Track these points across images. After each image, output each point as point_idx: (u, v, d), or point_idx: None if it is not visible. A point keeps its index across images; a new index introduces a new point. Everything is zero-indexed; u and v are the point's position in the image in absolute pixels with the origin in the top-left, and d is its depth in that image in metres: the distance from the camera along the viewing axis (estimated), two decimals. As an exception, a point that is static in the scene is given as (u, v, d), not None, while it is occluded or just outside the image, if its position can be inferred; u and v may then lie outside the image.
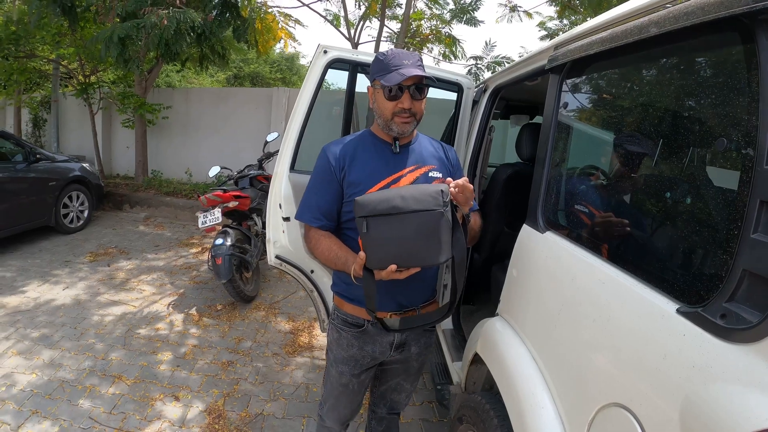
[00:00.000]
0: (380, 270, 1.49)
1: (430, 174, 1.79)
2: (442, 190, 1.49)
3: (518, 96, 3.79)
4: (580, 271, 1.40)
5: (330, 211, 1.77)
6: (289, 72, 21.04)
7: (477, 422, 1.80)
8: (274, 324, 4.43)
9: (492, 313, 1.99)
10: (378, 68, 1.67)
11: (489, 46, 8.64)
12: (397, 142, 1.76)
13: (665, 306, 1.04)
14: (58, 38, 8.88)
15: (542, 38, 9.99)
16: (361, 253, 1.51)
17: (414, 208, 1.44)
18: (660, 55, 1.33)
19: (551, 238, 1.64)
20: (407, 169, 1.76)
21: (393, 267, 1.47)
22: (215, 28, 7.39)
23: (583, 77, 1.73)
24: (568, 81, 1.75)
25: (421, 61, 1.69)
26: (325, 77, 2.69)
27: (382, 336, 1.83)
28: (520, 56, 9.31)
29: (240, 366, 3.63)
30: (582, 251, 1.44)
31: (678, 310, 1.00)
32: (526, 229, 1.83)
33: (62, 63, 10.07)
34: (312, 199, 1.78)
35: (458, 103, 3.02)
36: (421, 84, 1.67)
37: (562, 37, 1.80)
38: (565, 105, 1.75)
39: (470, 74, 8.32)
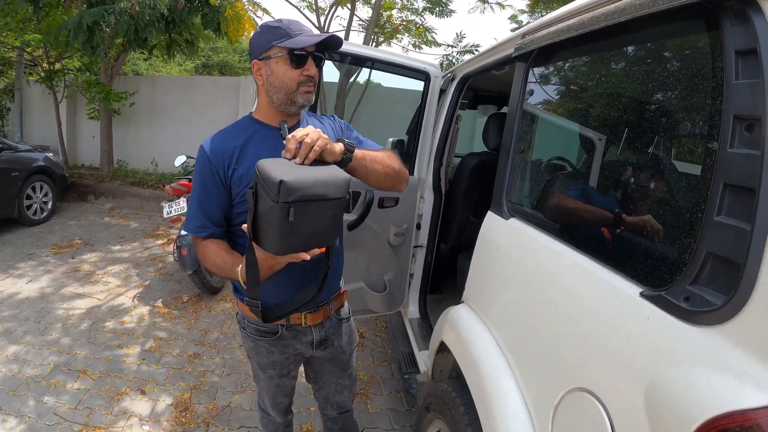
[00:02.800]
0: (282, 255, 1.37)
1: None
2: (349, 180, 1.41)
3: (486, 86, 3.81)
4: (544, 257, 1.42)
5: (217, 217, 1.60)
6: None
7: (444, 410, 1.80)
8: (240, 315, 4.38)
9: (458, 301, 2.01)
10: (275, 35, 1.50)
11: (459, 36, 8.67)
12: (285, 125, 1.56)
13: (629, 290, 1.05)
14: (23, 24, 8.61)
15: (513, 31, 10.02)
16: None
17: (336, 195, 1.36)
18: (626, 42, 1.35)
19: (515, 224, 1.65)
20: None
21: (303, 254, 1.38)
22: (184, 15, 7.26)
23: (550, 65, 1.75)
24: (535, 69, 1.76)
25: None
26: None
27: (300, 336, 1.76)
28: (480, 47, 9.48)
29: (207, 358, 3.61)
30: (546, 237, 1.45)
31: (642, 294, 1.01)
32: (490, 216, 1.83)
33: (26, 50, 9.78)
34: (195, 205, 1.59)
35: (425, 91, 3.00)
36: (317, 53, 1.54)
37: (529, 25, 1.80)
38: (531, 93, 1.75)
39: (442, 66, 8.33)
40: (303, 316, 1.72)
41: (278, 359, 1.80)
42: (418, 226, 3.16)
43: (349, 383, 2.04)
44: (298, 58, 1.50)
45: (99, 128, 9.28)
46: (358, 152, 1.52)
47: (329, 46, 1.57)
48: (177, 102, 10.01)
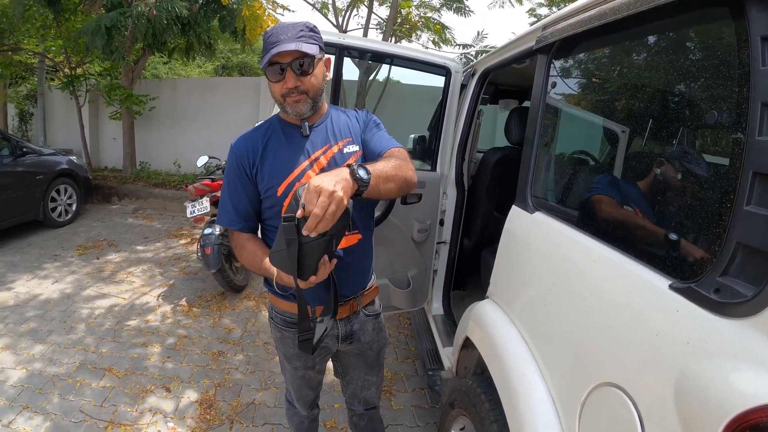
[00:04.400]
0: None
1: (345, 150, 1.66)
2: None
3: (507, 80, 3.77)
4: (570, 250, 1.40)
5: (247, 212, 1.65)
6: None
7: (468, 407, 1.78)
8: (265, 313, 4.39)
9: (482, 297, 1.98)
10: (263, 49, 1.51)
11: (480, 36, 8.59)
12: (306, 123, 1.60)
13: (657, 282, 1.03)
14: (43, 31, 8.74)
15: (532, 25, 9.93)
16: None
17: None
18: (649, 32, 1.32)
19: (541, 218, 1.63)
20: (320, 151, 1.63)
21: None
22: (200, 18, 7.31)
23: (572, 57, 1.71)
24: (556, 61, 1.73)
25: (307, 31, 1.51)
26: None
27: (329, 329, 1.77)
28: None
29: (230, 356, 3.62)
30: (572, 230, 1.43)
31: (671, 286, 0.99)
32: (515, 210, 1.81)
33: (48, 56, 9.92)
34: (227, 201, 1.66)
35: (446, 87, 2.95)
36: (306, 57, 1.48)
37: (550, 17, 1.77)
38: (554, 85, 1.73)
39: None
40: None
41: None
42: (441, 222, 3.14)
43: (376, 380, 2.03)
44: (272, 73, 1.51)
45: (121, 130, 9.39)
46: (372, 182, 1.40)
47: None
48: (198, 104, 10.11)
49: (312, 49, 1.48)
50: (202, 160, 5.07)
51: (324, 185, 1.23)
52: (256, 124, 1.72)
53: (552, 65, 1.73)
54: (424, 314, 3.50)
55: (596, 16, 1.37)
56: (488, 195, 3.24)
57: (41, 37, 8.93)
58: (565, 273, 1.38)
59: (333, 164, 1.62)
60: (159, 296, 4.63)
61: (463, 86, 3.06)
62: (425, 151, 3.43)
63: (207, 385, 3.20)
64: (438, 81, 3.01)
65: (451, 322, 3.15)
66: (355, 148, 1.70)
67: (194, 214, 4.55)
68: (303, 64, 1.49)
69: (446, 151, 3.09)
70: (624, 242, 1.22)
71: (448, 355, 2.71)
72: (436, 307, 3.30)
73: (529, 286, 1.60)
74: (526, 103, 4.00)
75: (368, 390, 2.04)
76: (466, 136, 3.04)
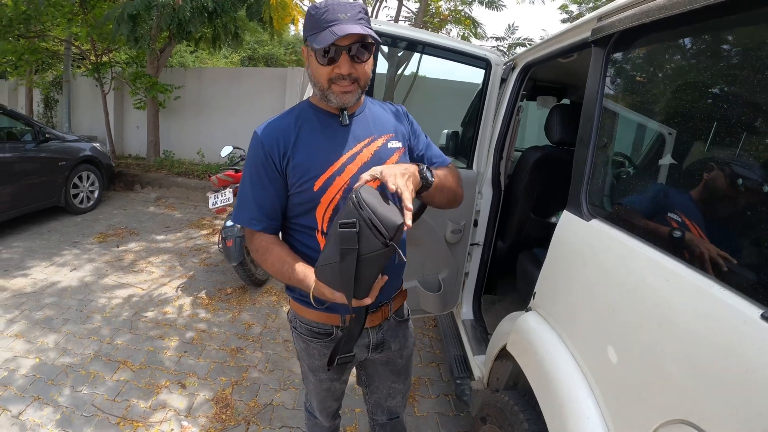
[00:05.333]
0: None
1: (389, 145, 1.53)
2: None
3: (546, 76, 3.59)
4: (638, 267, 1.20)
5: (273, 209, 1.47)
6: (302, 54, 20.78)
7: (503, 424, 1.65)
8: (286, 309, 4.26)
9: (517, 303, 1.82)
10: (309, 26, 1.36)
11: (511, 28, 8.40)
12: (345, 112, 1.46)
13: (746, 310, 0.86)
14: (70, 16, 8.73)
15: (563, 21, 9.72)
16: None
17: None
18: (727, 24, 1.15)
19: (598, 226, 1.44)
20: (362, 144, 1.48)
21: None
22: (227, 6, 7.21)
23: (634, 50, 1.54)
24: (616, 55, 1.57)
25: (365, 14, 1.38)
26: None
27: (359, 339, 1.61)
28: (541, 39, 9.17)
29: (249, 353, 3.49)
30: (638, 243, 1.24)
31: (763, 315, 0.82)
32: (567, 217, 1.62)
33: (74, 43, 9.94)
34: (248, 196, 1.47)
35: (485, 80, 2.79)
36: (365, 42, 1.35)
37: (607, 7, 1.60)
38: (614, 81, 1.57)
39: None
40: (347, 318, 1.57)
41: None
42: (475, 223, 2.98)
43: (403, 388, 1.89)
44: (325, 55, 1.35)
45: (145, 119, 9.37)
46: (432, 187, 1.44)
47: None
48: (223, 93, 10.03)
49: (372, 35, 1.34)
50: (226, 150, 4.96)
51: (404, 171, 1.27)
52: (286, 110, 1.55)
53: (610, 59, 1.57)
54: (452, 318, 3.35)
55: (667, 6, 1.20)
56: (525, 196, 3.06)
57: (68, 23, 8.92)
58: (631, 292, 1.20)
59: (377, 159, 1.49)
60: (178, 288, 4.53)
61: (502, 80, 2.89)
62: (458, 147, 3.28)
63: (224, 383, 3.08)
64: (466, 76, 2.86)
65: (481, 328, 2.99)
66: (398, 144, 1.56)
67: (216, 205, 4.43)
68: (361, 49, 1.36)
69: (483, 148, 2.93)
70: (705, 261, 1.05)
71: (479, 365, 2.56)
72: (466, 311, 3.14)
73: (585, 304, 1.42)
74: (565, 100, 3.87)
75: (393, 399, 1.90)
76: (505, 134, 2.88)
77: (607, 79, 1.57)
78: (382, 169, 1.28)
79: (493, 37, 8.69)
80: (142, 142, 9.88)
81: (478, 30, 8.58)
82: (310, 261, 1.44)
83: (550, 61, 2.43)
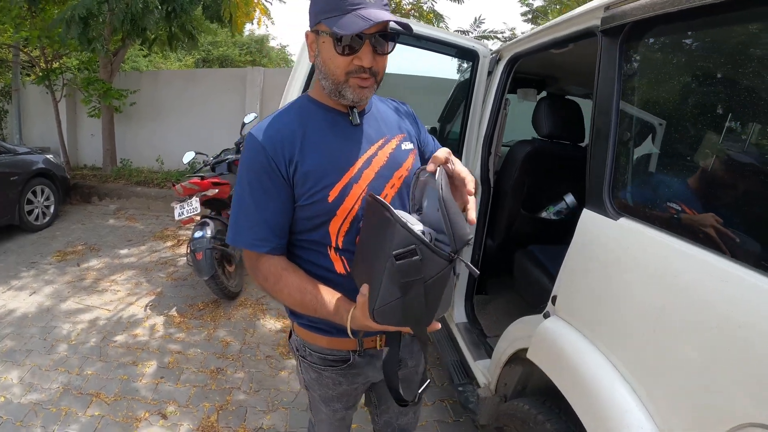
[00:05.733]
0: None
1: (403, 147, 1.39)
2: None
3: (527, 68, 3.50)
4: (685, 268, 1.12)
5: (281, 225, 1.28)
6: (259, 54, 20.51)
7: None
8: (263, 322, 4.07)
9: (513, 303, 1.74)
10: (325, 6, 1.17)
11: (477, 21, 8.31)
12: (355, 111, 1.30)
13: None
14: (19, 20, 8.23)
15: (524, 15, 9.71)
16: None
17: None
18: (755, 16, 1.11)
19: (630, 226, 1.35)
20: (376, 145, 1.33)
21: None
22: (186, 4, 6.91)
23: (652, 38, 1.46)
24: (631, 44, 1.49)
25: (388, 0, 1.23)
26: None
27: (374, 361, 1.47)
28: (501, 33, 9.12)
29: (231, 373, 3.28)
30: (681, 242, 1.16)
31: None
32: (588, 216, 1.52)
33: (23, 50, 9.43)
34: (250, 211, 1.26)
35: (473, 72, 2.71)
36: (386, 32, 1.19)
37: None
38: (632, 72, 1.49)
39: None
40: (378, 338, 1.41)
41: (346, 390, 1.51)
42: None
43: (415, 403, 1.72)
44: (346, 43, 1.17)
45: (100, 127, 8.93)
46: None
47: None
48: (180, 97, 9.64)
49: (405, 24, 1.18)
50: (189, 156, 4.75)
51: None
52: (280, 108, 1.36)
53: (625, 49, 1.49)
54: (445, 321, 3.21)
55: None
56: (515, 192, 2.96)
57: (15, 28, 8.42)
58: (678, 296, 1.13)
59: (393, 163, 1.34)
60: (147, 306, 4.25)
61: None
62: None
63: (208, 409, 2.87)
64: (438, 71, 2.77)
65: (477, 331, 2.88)
66: (410, 146, 1.42)
67: (183, 216, 4.18)
68: (382, 39, 1.19)
69: (471, 143, 2.84)
70: (759, 258, 0.99)
71: (483, 371, 2.43)
72: (459, 314, 3.02)
73: (626, 309, 1.30)
74: (542, 92, 3.80)
75: (405, 416, 1.75)
76: (493, 128, 2.75)
77: (623, 69, 1.49)
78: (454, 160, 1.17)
79: (458, 31, 8.57)
80: (98, 152, 9.42)
81: (441, 24, 8.45)
82: (325, 283, 1.27)
83: (540, 53, 2.35)
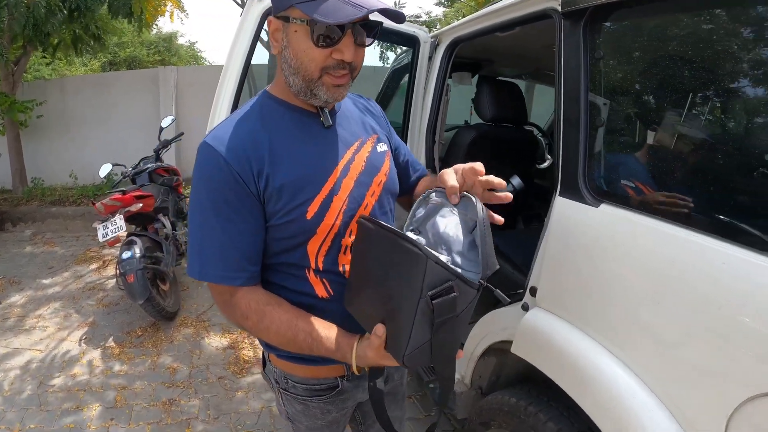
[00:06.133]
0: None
1: (378, 149, 1.27)
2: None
3: (462, 53, 3.44)
4: (679, 252, 1.13)
5: (255, 250, 1.12)
6: (168, 53, 19.70)
7: (519, 428, 1.61)
8: (208, 340, 3.84)
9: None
10: None
11: (398, 5, 8.21)
12: (326, 111, 1.16)
13: None
14: None
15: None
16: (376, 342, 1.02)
17: None
18: None
19: (612, 212, 1.33)
20: (352, 149, 1.20)
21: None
22: (90, 1, 6.43)
23: (618, 21, 1.45)
24: (595, 26, 1.45)
25: None
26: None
27: (362, 382, 1.35)
28: (417, 16, 9.05)
29: (185, 402, 3.06)
30: (673, 227, 1.16)
31: None
32: (563, 204, 1.50)
33: None
34: (218, 238, 1.07)
35: (414, 58, 2.64)
36: (368, 20, 1.03)
37: None
38: (600, 54, 1.44)
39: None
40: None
41: (336, 417, 1.38)
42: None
43: (401, 414, 1.63)
44: (324, 33, 0.99)
45: (6, 145, 8.20)
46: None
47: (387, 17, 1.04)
48: (91, 104, 9.01)
49: (397, 13, 1.04)
50: (106, 169, 4.41)
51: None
52: (238, 111, 1.16)
53: (589, 31, 1.45)
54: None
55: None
56: (462, 179, 2.88)
57: None
58: (674, 281, 1.14)
59: (371, 168, 1.21)
60: (81, 340, 3.89)
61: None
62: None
63: (166, 448, 2.64)
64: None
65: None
66: (385, 147, 1.31)
67: (108, 237, 3.85)
68: (363, 30, 1.04)
69: (415, 132, 2.77)
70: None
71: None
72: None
73: (619, 297, 1.29)
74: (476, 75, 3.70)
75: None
76: (435, 115, 2.68)
77: (590, 53, 1.45)
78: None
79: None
80: (6, 172, 8.68)
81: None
82: (306, 310, 1.14)
83: (483, 37, 2.29)
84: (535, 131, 3.45)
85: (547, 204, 1.57)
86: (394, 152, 1.40)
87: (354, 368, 1.09)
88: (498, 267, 0.96)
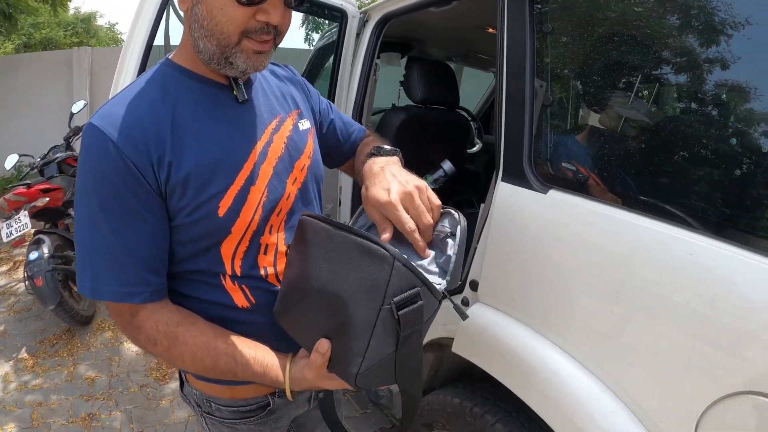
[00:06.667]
0: None
1: (300, 126, 1.10)
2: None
3: (391, 31, 3.29)
4: (642, 243, 1.04)
5: (157, 256, 0.92)
6: (86, 35, 18.78)
7: (465, 429, 1.54)
8: (128, 345, 3.55)
9: None
10: None
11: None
12: (240, 83, 0.97)
13: None
14: None
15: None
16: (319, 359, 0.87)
17: None
18: None
19: (563, 198, 1.23)
20: (269, 129, 1.02)
21: None
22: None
23: None
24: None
25: None
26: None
27: (298, 396, 1.17)
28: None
29: (105, 416, 2.81)
30: (631, 215, 1.08)
31: None
32: (508, 190, 1.37)
33: None
34: (111, 246, 0.87)
35: (341, 34, 2.47)
36: None
37: None
38: (547, 27, 1.33)
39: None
40: None
41: None
42: (340, 202, 2.69)
43: (340, 415, 1.46)
44: None
45: None
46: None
47: None
48: (-1, 89, 8.33)
49: None
50: (12, 161, 4.04)
51: (403, 190, 0.91)
52: (132, 83, 0.94)
53: (534, 5, 1.34)
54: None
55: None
56: (389, 162, 2.75)
57: None
58: (639, 274, 1.04)
59: (293, 151, 1.04)
60: (-11, 352, 3.52)
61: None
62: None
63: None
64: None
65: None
66: (308, 124, 1.13)
67: (12, 237, 3.50)
68: None
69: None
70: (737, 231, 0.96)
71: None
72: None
73: (573, 290, 1.19)
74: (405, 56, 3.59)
75: None
76: (363, 96, 2.52)
77: (536, 27, 1.34)
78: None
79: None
80: None
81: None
82: (225, 324, 0.97)
83: (414, 13, 2.21)
84: (465, 114, 3.33)
85: (478, 189, 1.43)
86: (327, 124, 1.25)
87: (288, 394, 0.94)
88: (460, 282, 0.85)
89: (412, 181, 0.93)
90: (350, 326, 0.81)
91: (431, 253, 0.92)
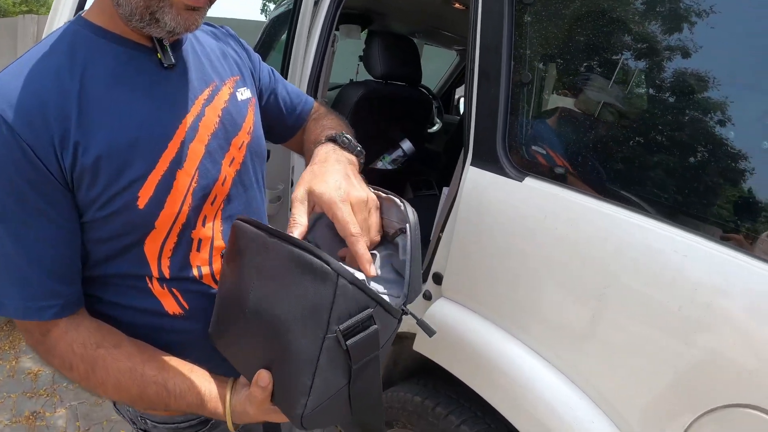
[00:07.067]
0: None
1: (239, 96, 0.95)
2: None
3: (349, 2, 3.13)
4: (631, 241, 0.96)
5: (67, 262, 0.77)
6: (36, 3, 18.16)
7: (428, 429, 1.47)
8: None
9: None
10: None
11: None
12: (166, 45, 0.81)
13: None
14: None
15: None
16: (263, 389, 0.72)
17: None
18: None
19: (541, 187, 1.14)
20: (201, 99, 0.86)
21: None
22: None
23: None
24: None
25: None
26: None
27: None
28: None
29: (50, 414, 2.65)
30: (620, 210, 1.00)
31: None
32: (479, 176, 1.26)
33: None
34: (10, 253, 0.72)
35: (297, 2, 2.31)
36: None
37: None
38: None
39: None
40: None
41: None
42: (292, 183, 2.48)
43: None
44: None
45: None
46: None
47: None
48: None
49: None
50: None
51: (358, 195, 0.75)
52: (39, 46, 0.76)
53: None
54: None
55: None
56: (349, 140, 2.63)
57: None
58: (623, 276, 0.97)
59: (230, 125, 0.89)
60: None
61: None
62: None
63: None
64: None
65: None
66: (248, 93, 0.98)
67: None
68: None
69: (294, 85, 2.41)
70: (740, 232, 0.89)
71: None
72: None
73: (551, 289, 1.11)
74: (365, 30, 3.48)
75: None
76: (319, 69, 2.37)
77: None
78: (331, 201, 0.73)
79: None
80: None
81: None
82: (154, 333, 0.85)
83: None
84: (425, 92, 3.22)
85: (437, 169, 1.30)
86: (269, 93, 1.10)
87: (230, 426, 0.81)
88: (422, 291, 0.75)
89: (369, 193, 0.79)
90: (291, 357, 0.68)
91: (377, 272, 0.77)
